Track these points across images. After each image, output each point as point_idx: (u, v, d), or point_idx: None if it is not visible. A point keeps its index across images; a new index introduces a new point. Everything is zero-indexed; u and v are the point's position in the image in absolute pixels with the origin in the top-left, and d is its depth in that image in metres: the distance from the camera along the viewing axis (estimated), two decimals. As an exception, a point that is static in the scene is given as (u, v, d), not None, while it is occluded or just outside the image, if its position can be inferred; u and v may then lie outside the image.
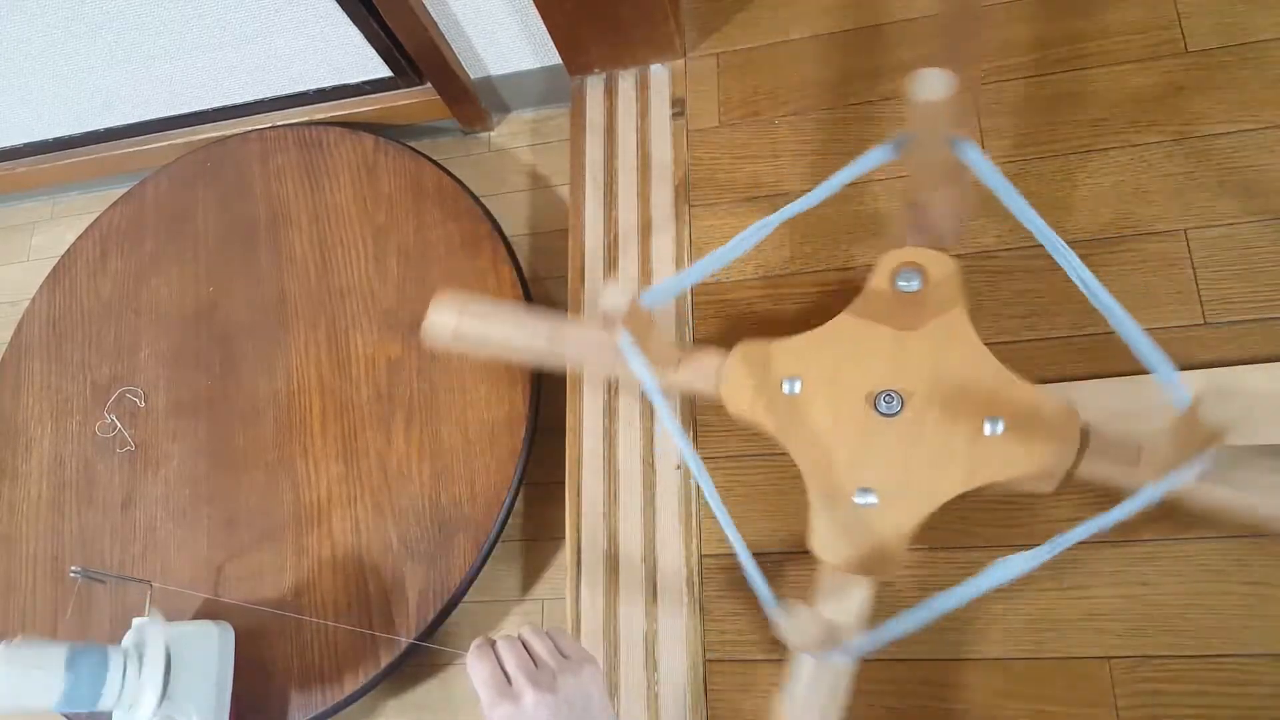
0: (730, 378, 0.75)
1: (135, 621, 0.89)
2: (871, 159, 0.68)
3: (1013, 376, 0.70)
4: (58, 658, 0.79)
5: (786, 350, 0.75)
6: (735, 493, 0.90)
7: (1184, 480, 0.61)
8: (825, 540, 0.71)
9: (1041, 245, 0.74)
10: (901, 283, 0.70)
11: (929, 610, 0.63)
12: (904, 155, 0.67)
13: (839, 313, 0.75)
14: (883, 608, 0.71)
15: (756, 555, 0.76)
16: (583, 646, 0.58)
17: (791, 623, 0.66)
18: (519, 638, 0.57)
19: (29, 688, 0.78)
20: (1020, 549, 0.76)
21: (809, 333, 0.75)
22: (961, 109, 0.66)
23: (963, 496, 0.71)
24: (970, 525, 0.83)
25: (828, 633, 0.67)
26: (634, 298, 0.69)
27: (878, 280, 0.73)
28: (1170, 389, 0.60)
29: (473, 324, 0.80)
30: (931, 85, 0.61)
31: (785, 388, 0.73)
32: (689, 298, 0.99)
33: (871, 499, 0.70)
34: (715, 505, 0.70)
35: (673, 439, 0.71)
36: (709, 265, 0.72)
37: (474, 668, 0.55)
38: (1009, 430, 0.68)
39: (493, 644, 0.56)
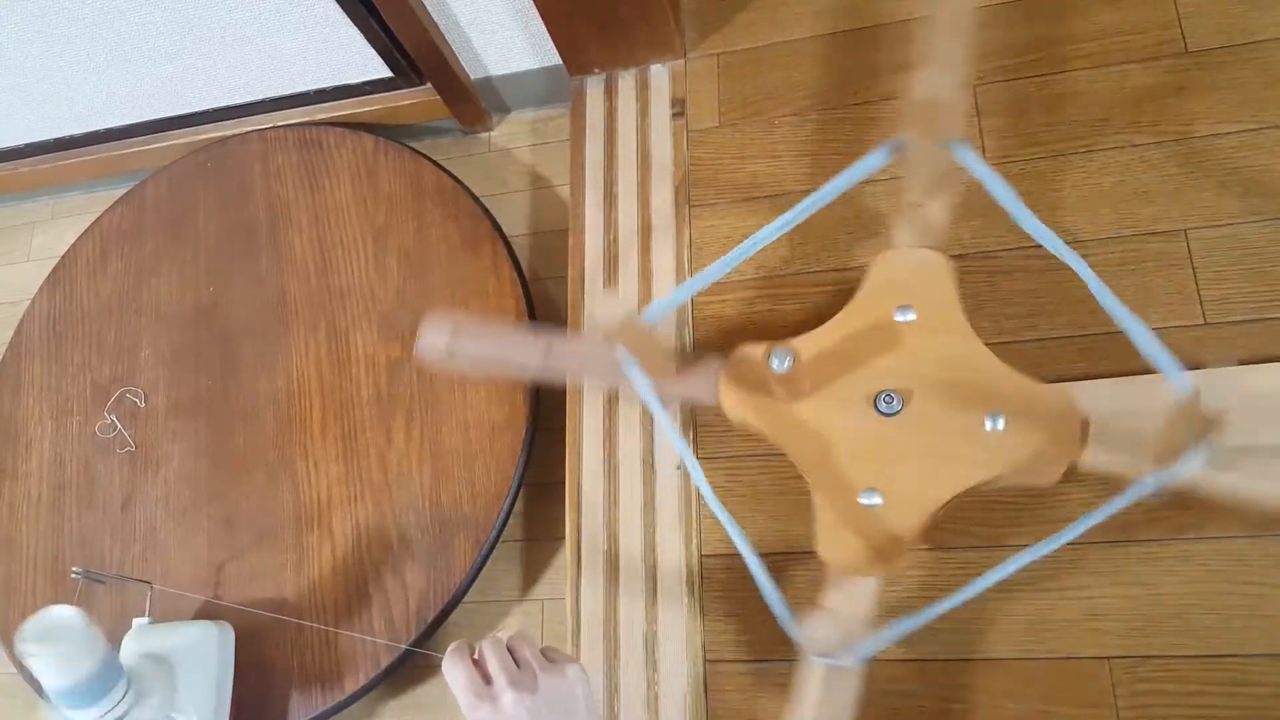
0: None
1: (135, 622, 0.89)
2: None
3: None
4: (101, 650, 0.79)
5: (831, 495, 0.73)
6: (736, 493, 0.90)
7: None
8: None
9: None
10: (775, 362, 0.68)
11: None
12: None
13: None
14: (884, 610, 0.71)
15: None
16: (570, 655, 0.58)
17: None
18: (504, 640, 0.57)
19: (70, 657, 0.77)
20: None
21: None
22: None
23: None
24: (968, 525, 0.83)
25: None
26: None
27: (748, 378, 0.73)
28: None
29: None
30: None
31: (867, 503, 0.72)
32: (689, 302, 0.98)
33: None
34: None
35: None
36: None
37: (450, 671, 0.54)
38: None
39: (474, 647, 0.56)
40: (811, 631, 0.66)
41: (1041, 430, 0.68)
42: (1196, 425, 0.57)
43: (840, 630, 0.67)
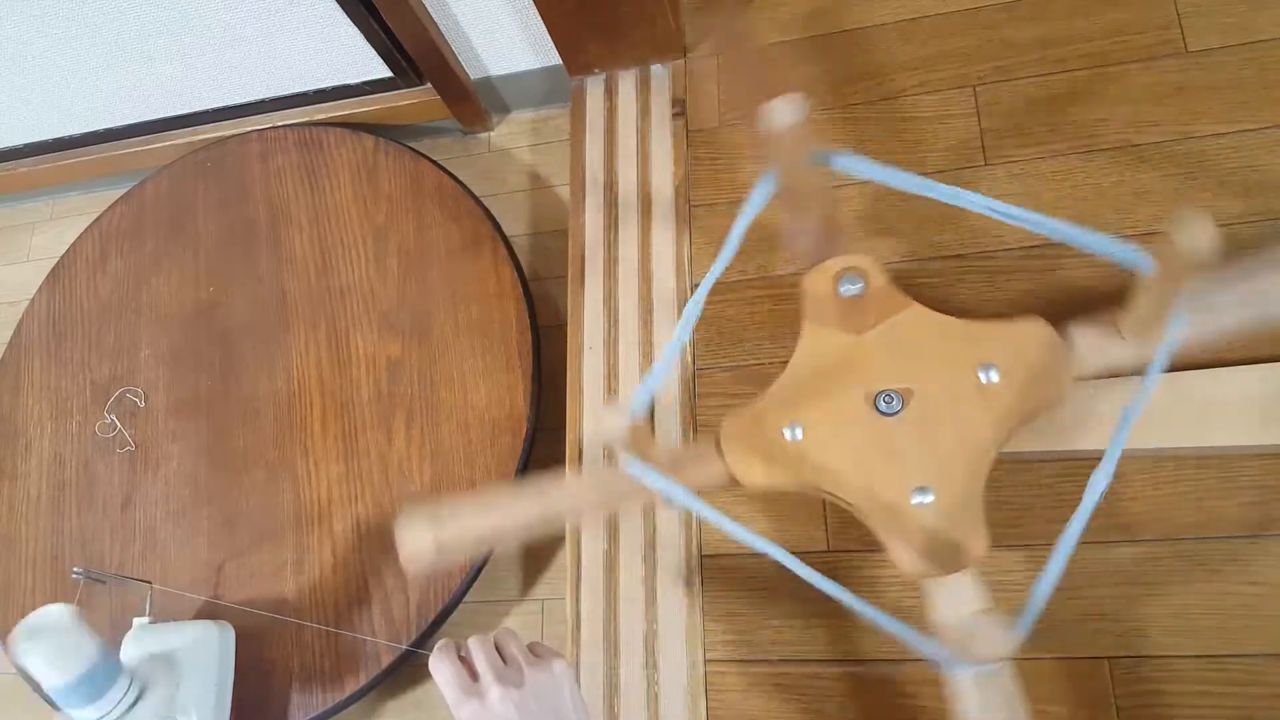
0: (733, 459, 0.71)
1: (136, 622, 0.89)
2: (759, 197, 0.69)
3: (970, 322, 0.69)
4: (95, 647, 0.78)
5: (772, 402, 0.72)
6: (736, 493, 0.89)
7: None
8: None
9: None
10: (845, 287, 0.68)
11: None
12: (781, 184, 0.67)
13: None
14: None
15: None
16: (554, 649, 0.58)
17: (603, 411, 0.65)
18: (491, 637, 0.57)
19: (63, 654, 0.76)
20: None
21: (782, 374, 0.73)
22: (810, 127, 0.64)
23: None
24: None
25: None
26: (629, 416, 0.65)
27: (817, 287, 0.72)
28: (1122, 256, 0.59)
29: (451, 530, 0.69)
30: (779, 115, 0.62)
31: (788, 436, 0.70)
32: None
33: (929, 496, 0.67)
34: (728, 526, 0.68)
35: (723, 527, 0.69)
36: (671, 351, 0.69)
37: (436, 669, 0.54)
38: (1004, 370, 0.67)
39: (460, 644, 0.56)
40: (604, 413, 0.65)
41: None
42: (979, 653, 0.57)
43: (638, 444, 0.66)
